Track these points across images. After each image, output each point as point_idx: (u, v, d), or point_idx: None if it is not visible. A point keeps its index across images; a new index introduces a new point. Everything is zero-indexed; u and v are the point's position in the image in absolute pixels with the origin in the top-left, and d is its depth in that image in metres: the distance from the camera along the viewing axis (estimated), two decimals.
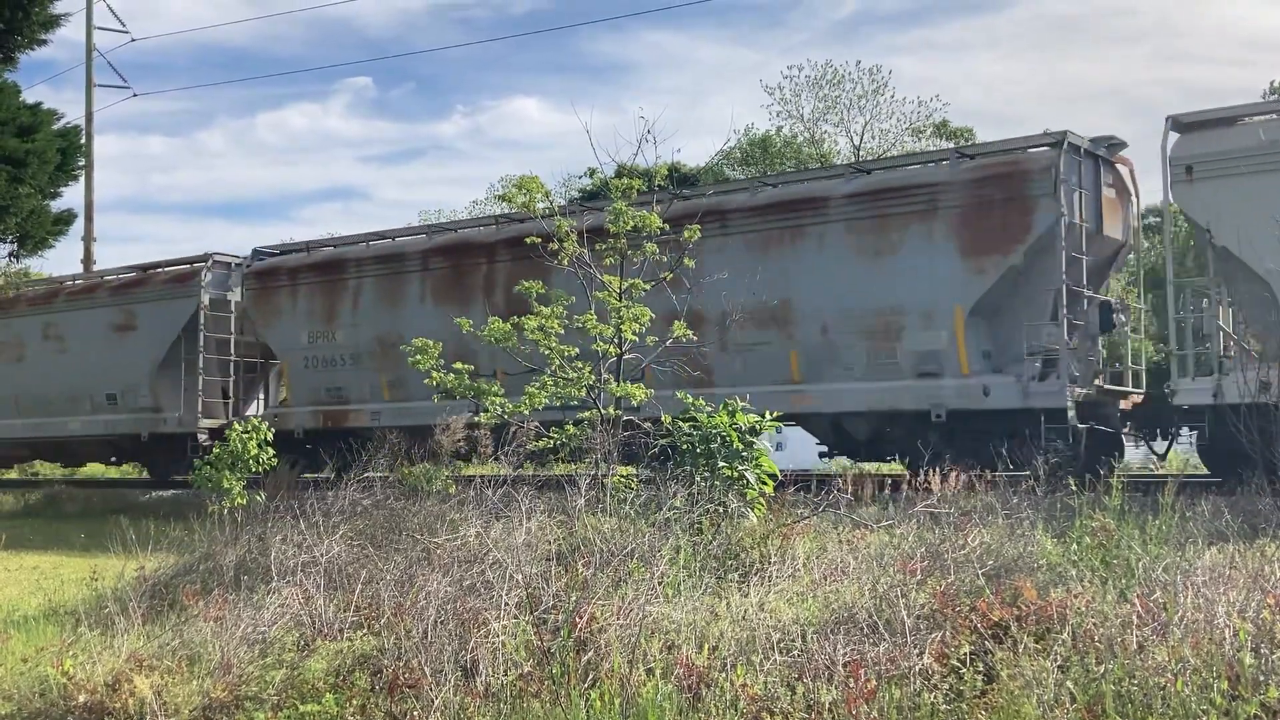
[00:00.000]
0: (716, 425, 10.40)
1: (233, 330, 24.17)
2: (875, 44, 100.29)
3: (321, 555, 8.67)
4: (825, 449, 19.01)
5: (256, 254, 24.92)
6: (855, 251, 17.44)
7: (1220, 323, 16.47)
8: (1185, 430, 16.98)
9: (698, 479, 9.81)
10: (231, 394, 24.71)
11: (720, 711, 5.81)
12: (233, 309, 24.27)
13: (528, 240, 13.11)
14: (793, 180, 20.25)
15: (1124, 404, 17.67)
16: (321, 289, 23.17)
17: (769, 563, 8.31)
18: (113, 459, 27.75)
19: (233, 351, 24.34)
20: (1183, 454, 19.67)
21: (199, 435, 23.08)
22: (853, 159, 38.55)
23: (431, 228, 24.43)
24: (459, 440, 12.57)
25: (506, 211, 25.02)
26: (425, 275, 21.80)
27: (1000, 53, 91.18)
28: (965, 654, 5.94)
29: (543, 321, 11.95)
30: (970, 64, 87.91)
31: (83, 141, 26.84)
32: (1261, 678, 5.35)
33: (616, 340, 11.88)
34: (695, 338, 12.61)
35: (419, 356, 12.53)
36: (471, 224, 24.31)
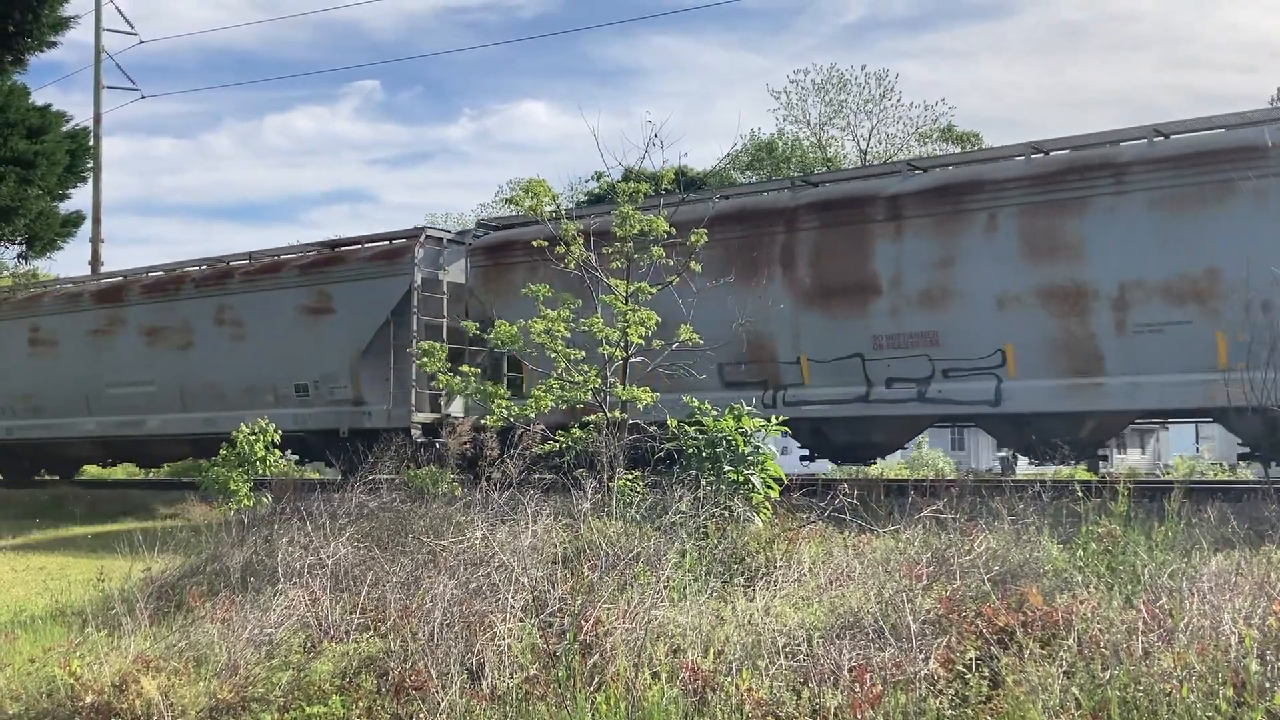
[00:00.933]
0: (722, 429, 10.41)
1: (444, 313, 21.29)
2: (881, 49, 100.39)
3: (328, 557, 8.68)
4: None
5: (482, 226, 22.66)
6: None
7: None
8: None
9: (703, 483, 9.82)
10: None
11: (725, 715, 5.82)
12: (444, 289, 21.44)
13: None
14: (1216, 126, 16.21)
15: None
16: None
17: (774, 567, 8.32)
18: (296, 457, 24.56)
19: (445, 337, 20.42)
20: (1187, 459, 19.75)
21: (412, 431, 20.27)
22: (859, 164, 38.54)
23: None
24: (465, 443, 12.59)
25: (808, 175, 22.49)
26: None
27: (1006, 58, 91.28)
28: (971, 659, 5.94)
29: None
30: (976, 70, 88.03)
31: (91, 143, 26.89)
32: (1267, 684, 5.35)
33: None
34: (702, 342, 12.59)
35: (424, 359, 12.54)
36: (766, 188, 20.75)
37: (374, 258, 21.99)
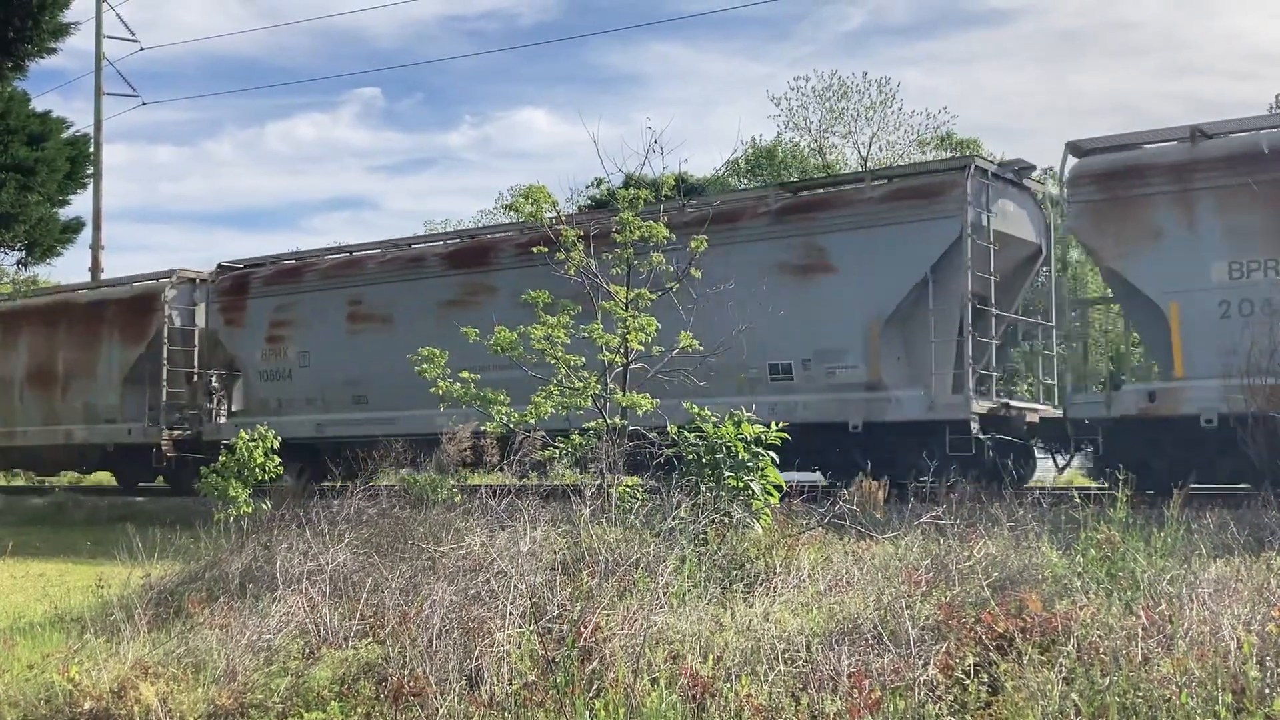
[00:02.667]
0: (722, 435, 10.40)
1: (992, 270, 16.94)
2: (882, 57, 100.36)
3: (327, 563, 8.68)
4: None
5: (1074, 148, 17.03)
6: None
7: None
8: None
9: (703, 489, 9.81)
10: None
11: None
12: (989, 238, 17.03)
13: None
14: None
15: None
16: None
17: (774, 573, 8.31)
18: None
19: (993, 300, 17.06)
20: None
21: (971, 424, 16.18)
22: (859, 170, 38.60)
23: None
24: (465, 449, 12.58)
25: None
26: None
27: (1006, 65, 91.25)
28: (970, 665, 5.94)
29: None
30: (977, 77, 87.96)
31: (91, 150, 26.92)
32: (1266, 691, 5.35)
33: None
34: (701, 348, 12.59)
35: (425, 366, 12.53)
36: None
37: (896, 197, 17.46)
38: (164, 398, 24.35)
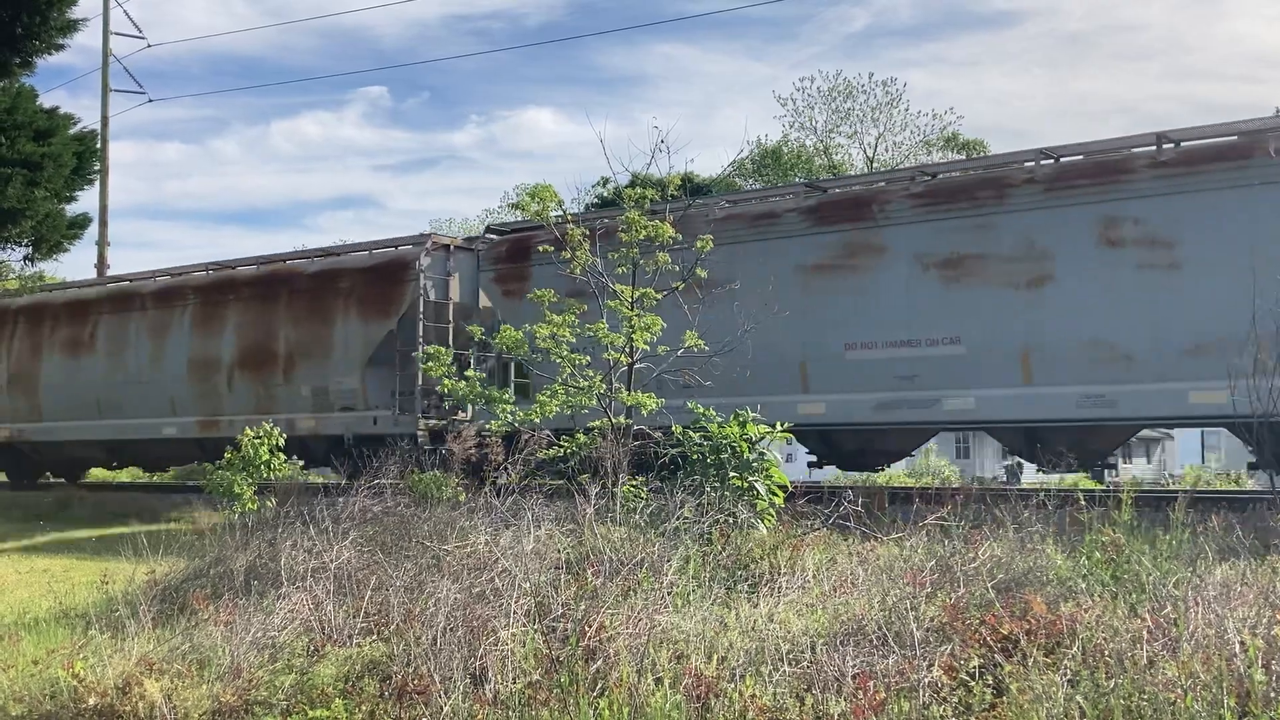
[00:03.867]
0: (727, 435, 10.41)
1: None
2: (887, 58, 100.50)
3: (331, 561, 8.69)
4: None
5: None
6: None
7: None
8: None
9: (708, 489, 9.82)
10: None
11: None
12: None
13: None
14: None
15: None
16: None
17: (779, 574, 8.31)
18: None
19: None
20: (1194, 468, 19.68)
21: None
22: (866, 170, 38.61)
23: None
24: (470, 449, 12.59)
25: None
26: None
27: (1011, 68, 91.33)
28: (974, 667, 5.93)
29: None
30: (981, 79, 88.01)
31: (98, 146, 26.92)
32: (1272, 694, 5.34)
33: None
34: (705, 347, 12.60)
35: (430, 364, 12.54)
36: None
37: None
38: (418, 382, 20.68)
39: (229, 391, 23.35)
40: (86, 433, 25.84)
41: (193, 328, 24.09)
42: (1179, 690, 5.41)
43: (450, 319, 21.53)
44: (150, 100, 43.29)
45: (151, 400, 24.39)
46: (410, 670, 6.57)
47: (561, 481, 11.07)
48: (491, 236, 22.37)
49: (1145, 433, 36.85)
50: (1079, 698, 5.53)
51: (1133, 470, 49.85)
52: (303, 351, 22.56)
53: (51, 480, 29.48)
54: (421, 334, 20.66)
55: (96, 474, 30.13)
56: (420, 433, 20.50)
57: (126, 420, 24.93)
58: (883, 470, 21.59)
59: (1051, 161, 15.99)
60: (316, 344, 22.43)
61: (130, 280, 27.36)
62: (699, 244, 12.35)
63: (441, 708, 6.23)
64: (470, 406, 19.63)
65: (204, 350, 23.80)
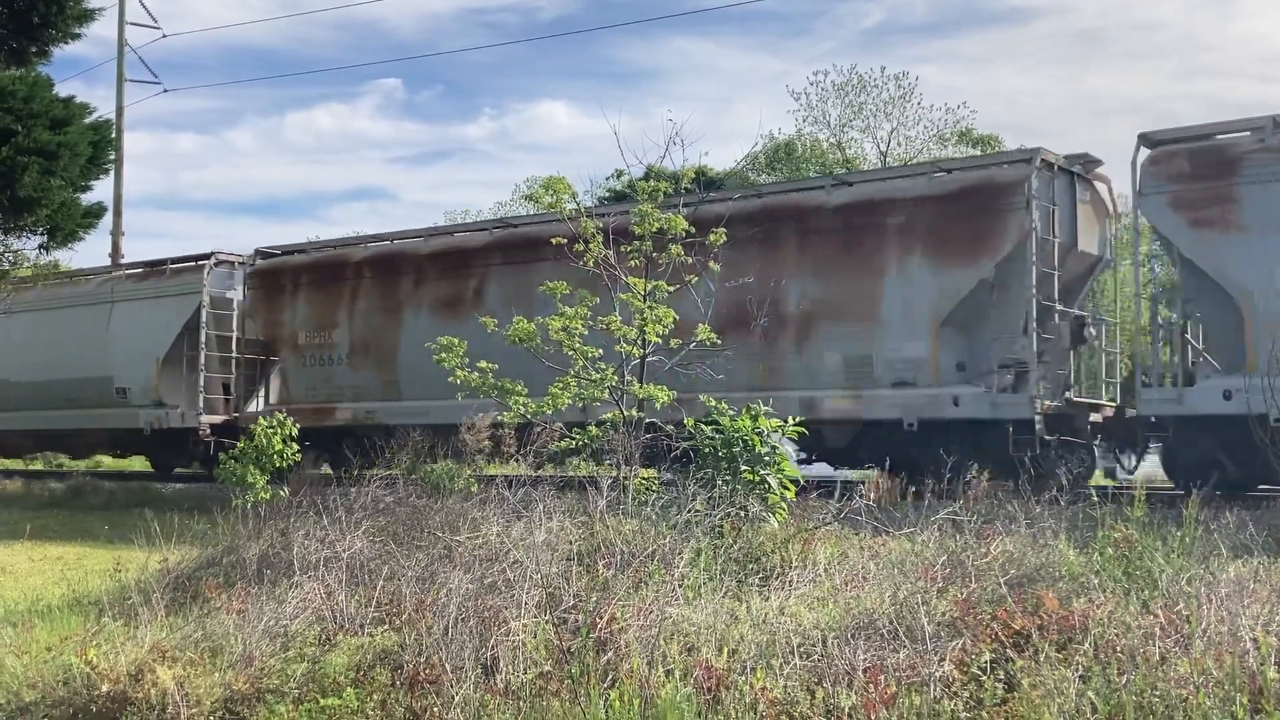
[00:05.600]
0: (739, 429, 10.39)
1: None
2: (900, 54, 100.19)
3: (344, 550, 8.71)
4: None
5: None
6: None
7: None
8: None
9: (719, 482, 9.81)
10: None
11: (739, 714, 5.82)
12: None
13: None
14: None
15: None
16: None
17: (790, 567, 8.31)
18: None
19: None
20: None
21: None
22: (879, 164, 38.56)
23: None
24: (484, 439, 12.59)
25: None
26: None
27: (1024, 65, 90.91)
28: (986, 662, 5.93)
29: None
30: (994, 76, 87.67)
31: (113, 135, 26.97)
32: None
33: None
34: (718, 341, 12.59)
35: (443, 355, 12.54)
36: None
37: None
38: (1034, 348, 16.29)
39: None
40: (464, 414, 21.85)
41: None
42: (1191, 687, 5.40)
43: (1056, 264, 16.73)
44: (165, 90, 43.60)
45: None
46: (422, 660, 6.59)
47: (573, 474, 11.08)
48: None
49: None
50: (1091, 694, 5.52)
51: (1146, 467, 49.69)
52: (828, 310, 17.64)
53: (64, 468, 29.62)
54: (1036, 282, 16.20)
55: (111, 463, 30.15)
56: (1036, 416, 15.85)
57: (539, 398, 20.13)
58: None
59: None
60: (852, 299, 17.45)
61: (528, 222, 22.93)
62: (712, 237, 12.33)
63: (453, 697, 6.24)
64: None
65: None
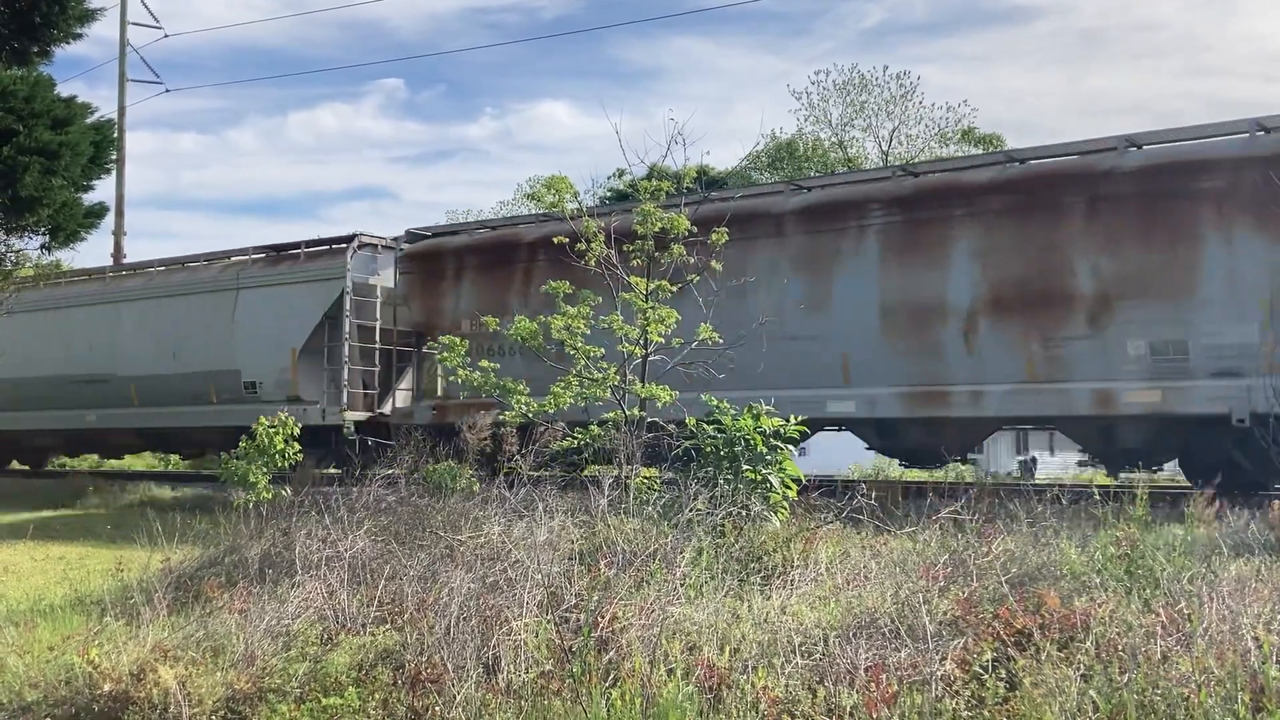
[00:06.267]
0: (741, 428, 10.39)
1: None
2: (901, 54, 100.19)
3: (346, 550, 8.71)
4: None
5: None
6: None
7: None
8: None
9: (721, 482, 9.81)
10: None
11: (741, 713, 5.82)
12: None
13: None
14: None
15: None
16: None
17: (791, 566, 8.31)
18: None
19: None
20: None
21: None
22: (881, 164, 38.52)
23: None
24: (484, 439, 12.60)
25: None
26: None
27: (1025, 65, 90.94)
28: (987, 661, 5.93)
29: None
30: (995, 75, 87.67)
31: (115, 135, 26.97)
32: None
33: None
34: (720, 340, 12.59)
35: (446, 354, 12.54)
36: None
37: None
38: None
39: (967, 350, 15.86)
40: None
41: (884, 257, 16.69)
42: (1193, 686, 5.40)
43: None
44: (167, 90, 43.85)
45: (807, 362, 16.89)
46: (424, 659, 6.59)
47: (575, 473, 11.07)
48: None
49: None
50: (1092, 692, 5.52)
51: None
52: (1130, 288, 14.95)
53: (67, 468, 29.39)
54: None
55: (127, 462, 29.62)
56: None
57: (752, 391, 15.28)
58: None
59: None
60: (1159, 276, 14.81)
61: (762, 192, 19.69)
62: (714, 236, 12.33)
63: (455, 697, 6.24)
64: None
65: (909, 289, 16.38)
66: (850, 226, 17.02)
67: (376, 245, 23.10)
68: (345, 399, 22.04)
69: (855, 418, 16.86)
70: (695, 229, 12.50)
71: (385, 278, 22.84)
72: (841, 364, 16.74)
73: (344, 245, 22.76)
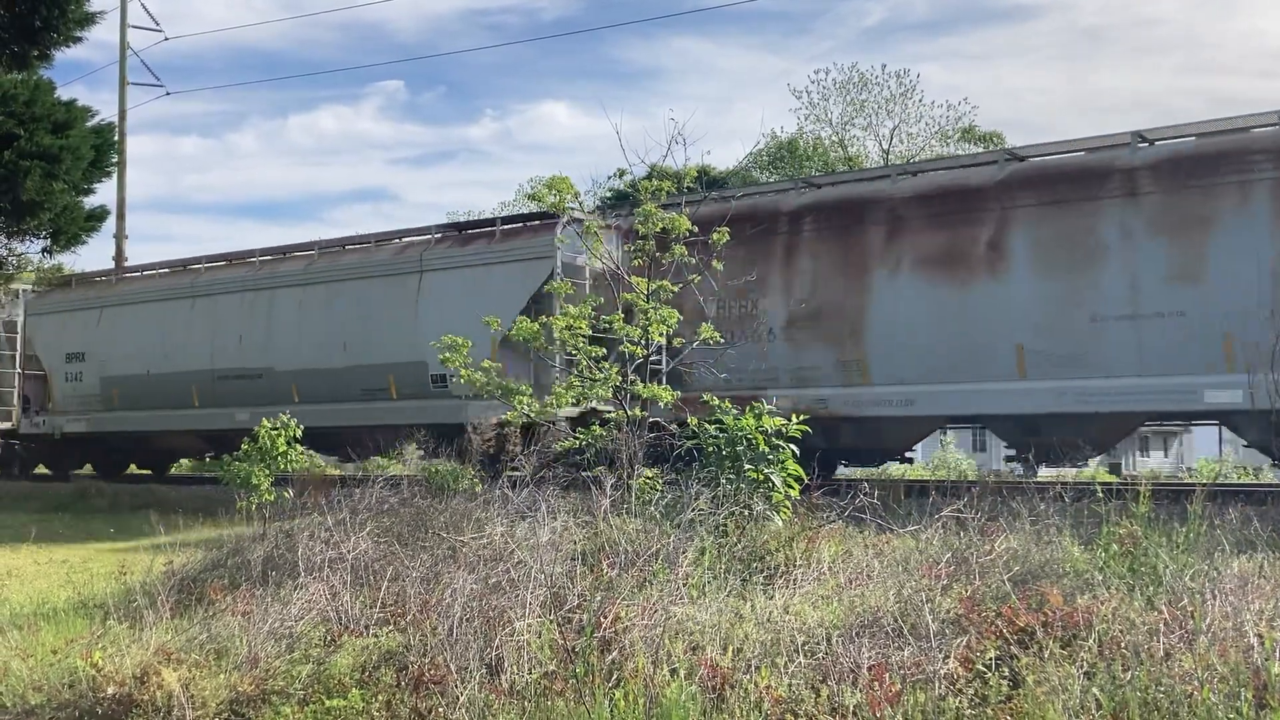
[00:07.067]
0: (742, 428, 10.39)
1: None
2: (902, 52, 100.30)
3: (348, 552, 8.72)
4: None
5: None
6: None
7: None
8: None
9: (723, 481, 9.81)
10: None
11: (744, 713, 5.82)
12: None
13: None
14: None
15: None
16: None
17: (794, 565, 8.31)
18: None
19: None
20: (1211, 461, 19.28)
21: None
22: (881, 163, 38.52)
23: None
24: (488, 440, 12.60)
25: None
26: None
27: (1027, 62, 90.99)
28: (990, 659, 5.93)
29: None
30: (997, 73, 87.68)
31: (115, 139, 27.00)
32: None
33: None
34: (721, 340, 12.59)
35: (449, 354, 12.54)
36: None
37: None
38: None
39: None
40: (996, 402, 15.99)
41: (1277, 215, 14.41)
42: (1196, 683, 5.40)
43: None
44: (168, 93, 43.58)
45: (1188, 344, 14.61)
46: (427, 660, 6.59)
47: (577, 473, 11.04)
48: None
49: (1163, 426, 36.52)
50: (1095, 690, 5.52)
51: (1150, 463, 49.67)
52: None
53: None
54: None
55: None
56: None
57: (1086, 378, 14.79)
58: None
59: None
60: None
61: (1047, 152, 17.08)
62: (715, 236, 12.33)
63: (458, 697, 6.25)
64: None
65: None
66: (1224, 180, 14.62)
67: (584, 222, 20.03)
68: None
69: (1241, 409, 14.06)
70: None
71: (607, 256, 19.60)
72: (1223, 345, 14.13)
73: (552, 220, 19.73)
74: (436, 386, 20.11)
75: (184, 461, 30.09)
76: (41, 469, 28.85)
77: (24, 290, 28.27)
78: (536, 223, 20.66)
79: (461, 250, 20.92)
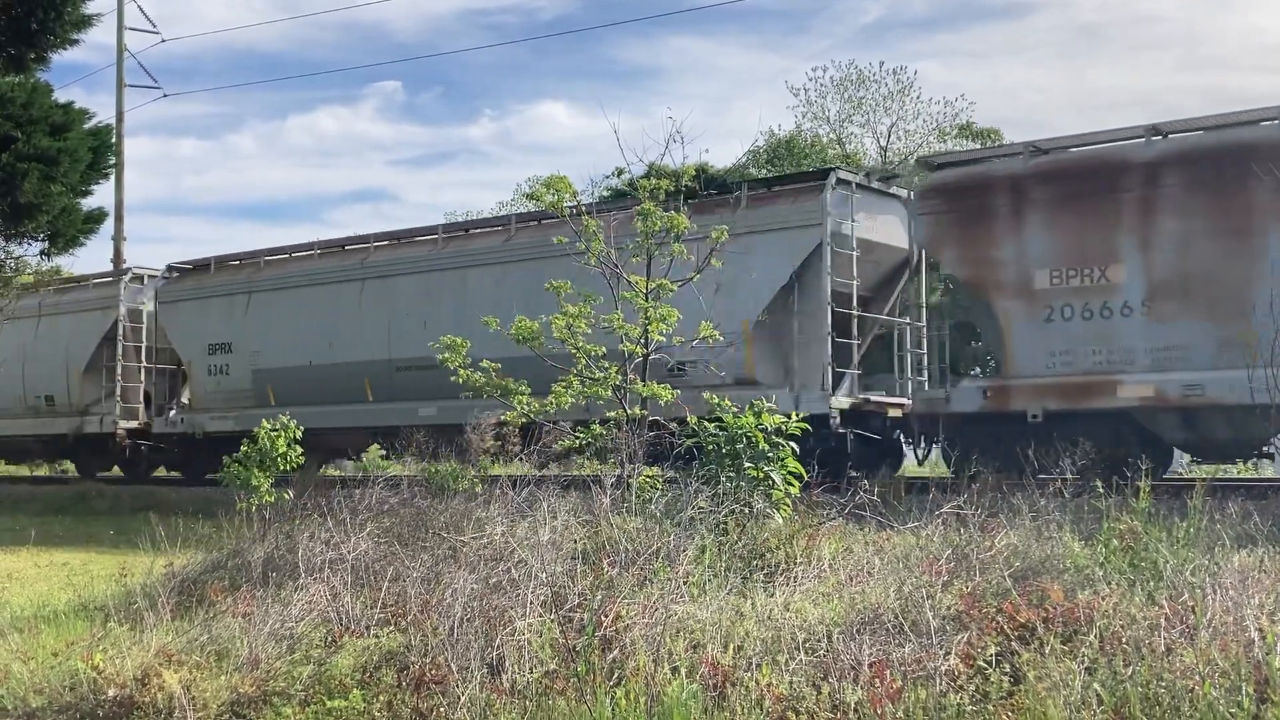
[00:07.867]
0: (742, 426, 10.38)
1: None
2: (900, 50, 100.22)
3: (349, 552, 8.71)
4: None
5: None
6: None
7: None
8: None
9: (723, 479, 9.80)
10: None
11: (745, 711, 5.82)
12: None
13: None
14: None
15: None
16: None
17: (794, 563, 8.31)
18: None
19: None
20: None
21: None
22: (879, 161, 38.53)
23: None
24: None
25: None
26: None
27: (1025, 59, 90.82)
28: (991, 655, 5.93)
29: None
30: (995, 70, 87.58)
31: (114, 140, 26.96)
32: None
33: None
34: (721, 338, 12.58)
35: (447, 354, 12.52)
36: None
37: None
38: None
39: None
40: None
41: None
42: (1197, 678, 5.40)
43: None
44: (165, 95, 43.45)
45: None
46: (428, 660, 6.59)
47: (578, 472, 11.05)
48: None
49: None
50: (1096, 685, 5.52)
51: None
52: None
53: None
54: None
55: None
56: None
57: None
58: None
59: None
60: None
61: None
62: (714, 233, 12.33)
63: (459, 697, 6.25)
64: None
65: None
66: None
67: (851, 184, 18.22)
68: (828, 381, 17.26)
69: None
70: None
71: (861, 226, 18.12)
72: None
73: (819, 183, 17.96)
74: (673, 374, 16.42)
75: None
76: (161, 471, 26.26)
77: (149, 277, 26.47)
78: (795, 185, 18.91)
79: (701, 218, 15.82)
